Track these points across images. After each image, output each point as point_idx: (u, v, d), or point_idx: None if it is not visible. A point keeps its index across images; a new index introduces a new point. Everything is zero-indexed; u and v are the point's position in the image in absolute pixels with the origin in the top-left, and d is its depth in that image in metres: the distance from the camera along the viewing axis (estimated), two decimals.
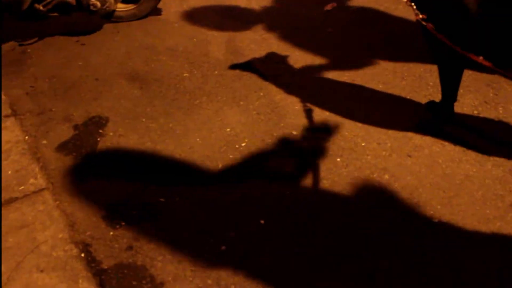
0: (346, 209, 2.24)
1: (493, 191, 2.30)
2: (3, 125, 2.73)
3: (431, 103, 2.78)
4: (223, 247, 2.07)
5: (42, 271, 1.97)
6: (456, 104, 2.65)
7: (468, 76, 3.01)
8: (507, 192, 2.29)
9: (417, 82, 3.07)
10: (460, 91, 2.64)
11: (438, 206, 2.24)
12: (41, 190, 2.33)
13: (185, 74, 3.20)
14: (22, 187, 2.34)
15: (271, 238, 2.11)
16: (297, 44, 3.51)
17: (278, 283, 1.93)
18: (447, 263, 1.99)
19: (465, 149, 2.54)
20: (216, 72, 3.21)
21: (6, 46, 3.48)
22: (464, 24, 2.24)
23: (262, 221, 2.19)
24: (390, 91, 3.00)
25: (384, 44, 3.49)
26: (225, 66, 3.27)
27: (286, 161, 2.51)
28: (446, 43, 2.28)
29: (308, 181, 2.39)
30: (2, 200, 2.27)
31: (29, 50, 3.46)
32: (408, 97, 2.94)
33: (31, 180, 2.38)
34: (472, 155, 2.50)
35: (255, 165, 2.49)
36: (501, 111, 2.78)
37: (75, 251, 2.05)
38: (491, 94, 2.92)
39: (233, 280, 1.94)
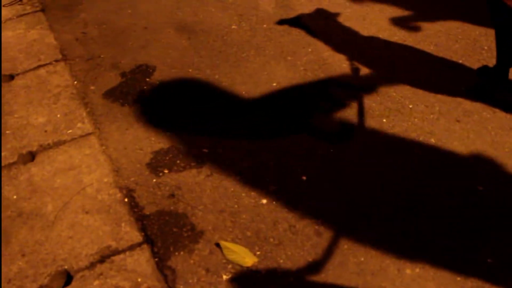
0: (389, 171, 2.21)
1: None
2: (53, 69, 2.78)
3: (484, 68, 2.68)
4: (264, 200, 2.08)
5: (87, 212, 2.03)
6: (510, 70, 2.55)
7: None
8: None
9: (471, 45, 2.96)
10: None
11: (484, 174, 2.18)
12: (88, 134, 2.38)
13: (233, 26, 3.17)
14: (70, 130, 2.39)
15: (312, 194, 2.11)
16: (348, 0, 3.42)
17: (316, 238, 1.93)
18: (488, 231, 1.95)
19: None
20: (264, 25, 3.17)
21: None
22: None
23: (304, 177, 2.18)
24: (441, 53, 2.91)
25: (439, 5, 3.36)
26: (274, 20, 3.22)
27: (332, 119, 2.48)
28: (506, 3, 2.17)
29: (352, 140, 2.36)
30: (52, 142, 2.33)
31: None
32: (460, 61, 2.84)
33: (79, 124, 2.43)
34: None
35: (300, 121, 2.47)
36: None
37: (119, 195, 2.10)
38: None
39: (272, 233, 1.96)
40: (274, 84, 2.69)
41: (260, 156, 2.29)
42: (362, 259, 1.87)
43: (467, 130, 2.40)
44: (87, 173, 2.19)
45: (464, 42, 2.99)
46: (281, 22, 3.21)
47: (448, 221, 1.99)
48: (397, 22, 3.19)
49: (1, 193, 2.10)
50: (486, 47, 2.93)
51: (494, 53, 2.55)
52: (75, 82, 2.71)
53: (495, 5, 2.30)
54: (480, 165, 2.23)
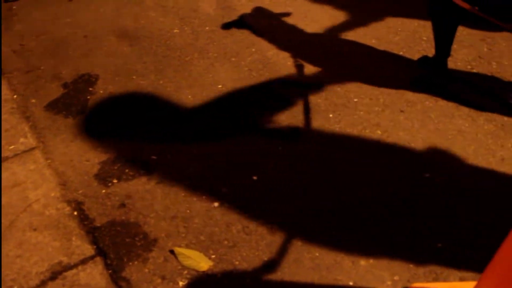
0: (338, 164, 2.24)
1: (485, 146, 2.30)
2: None
3: (424, 58, 2.76)
4: (216, 203, 2.08)
5: (35, 229, 1.97)
6: (449, 59, 2.63)
7: (462, 31, 2.98)
8: (498, 147, 2.29)
9: (411, 37, 3.04)
10: (454, 46, 2.62)
11: (430, 161, 2.24)
12: (32, 149, 2.31)
13: (175, 30, 3.15)
14: (13, 146, 2.32)
15: (264, 194, 2.11)
16: None
17: (270, 237, 1.94)
18: (437, 216, 2.00)
19: (457, 104, 2.53)
20: (207, 28, 3.16)
21: None
22: None
23: (255, 177, 2.19)
24: (383, 46, 2.97)
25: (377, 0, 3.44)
26: (216, 22, 3.21)
27: (278, 117, 2.49)
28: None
29: (300, 137, 2.38)
30: None
31: (14, 7, 3.38)
32: (401, 53, 2.91)
33: (21, 139, 2.36)
34: (464, 110, 2.49)
35: (246, 121, 2.48)
36: (494, 66, 2.76)
37: (67, 209, 2.05)
38: (485, 49, 2.89)
39: (226, 236, 1.95)
40: (220, 86, 2.68)
41: (210, 159, 2.28)
42: (317, 254, 1.89)
43: (411, 120, 2.46)
44: (32, 188, 2.13)
45: (404, 34, 3.06)
46: (223, 23, 3.20)
47: (397, 210, 2.03)
48: (338, 18, 3.24)
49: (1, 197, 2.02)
50: (425, 38, 3.00)
51: (433, 44, 2.62)
52: (15, 96, 2.63)
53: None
54: (425, 152, 2.29)
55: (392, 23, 3.16)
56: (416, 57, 2.83)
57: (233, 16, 3.27)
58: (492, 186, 2.12)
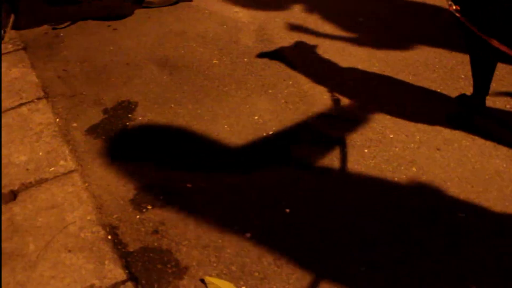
0: (372, 201, 2.23)
1: None
2: (35, 107, 2.78)
3: (462, 96, 2.74)
4: (248, 234, 2.08)
5: (70, 251, 2.01)
6: (488, 98, 2.61)
7: (501, 69, 2.95)
8: None
9: (449, 74, 3.02)
10: (493, 84, 2.59)
11: (466, 201, 2.21)
12: (71, 172, 2.37)
13: (214, 61, 3.21)
14: (53, 168, 2.38)
15: (296, 227, 2.11)
16: (328, 32, 3.48)
17: (301, 271, 1.93)
18: (472, 260, 1.97)
19: (495, 144, 2.49)
20: (245, 59, 3.21)
21: (39, 30, 3.54)
22: (497, 15, 2.20)
23: (288, 210, 2.19)
24: (420, 83, 2.96)
25: (416, 35, 3.44)
26: (255, 54, 3.26)
27: (314, 151, 2.50)
28: (479, 34, 2.23)
29: (335, 171, 2.38)
30: (34, 180, 2.32)
31: (62, 34, 3.51)
32: (438, 90, 2.89)
33: (61, 162, 2.42)
34: (503, 150, 2.46)
35: (282, 153, 2.49)
36: None
37: (102, 233, 2.09)
38: None
39: (257, 267, 1.95)
40: (256, 118, 2.71)
41: (243, 190, 2.29)
42: None
43: (447, 158, 2.43)
44: (69, 211, 2.18)
45: (441, 71, 3.05)
46: (262, 55, 3.25)
47: (430, 250, 2.00)
48: (375, 53, 3.25)
49: (1, 206, 2.08)
50: (463, 76, 2.99)
51: (471, 81, 2.60)
52: (57, 120, 2.71)
53: (470, 36, 2.36)
54: (461, 192, 2.26)
55: (430, 60, 3.15)
56: (453, 94, 2.81)
57: (272, 48, 3.32)
58: None
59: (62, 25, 3.58)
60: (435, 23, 3.58)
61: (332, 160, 2.44)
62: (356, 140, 2.55)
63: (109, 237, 2.08)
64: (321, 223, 2.13)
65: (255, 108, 2.78)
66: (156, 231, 2.11)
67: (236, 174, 2.38)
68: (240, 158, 2.48)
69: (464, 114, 2.67)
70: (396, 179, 2.33)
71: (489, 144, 2.50)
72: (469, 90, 2.72)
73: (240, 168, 2.42)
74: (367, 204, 2.21)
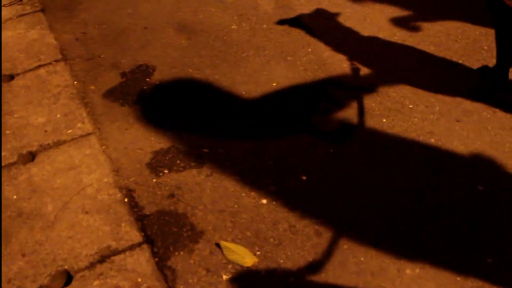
0: (389, 170, 2.21)
1: None
2: (53, 69, 2.78)
3: (484, 67, 2.68)
4: (264, 200, 2.08)
5: (87, 212, 2.03)
6: (511, 70, 2.55)
7: None
8: None
9: (471, 45, 2.96)
10: None
11: (484, 174, 2.18)
12: (88, 134, 2.38)
13: (233, 26, 3.17)
14: (70, 130, 2.39)
15: (312, 194, 2.11)
16: (348, 0, 3.42)
17: (316, 238, 1.93)
18: (488, 230, 1.95)
19: None
20: (264, 25, 3.17)
21: None
22: None
23: (304, 177, 2.18)
24: (442, 53, 2.91)
25: (438, 6, 3.36)
26: (274, 20, 3.22)
27: (332, 119, 2.48)
28: (506, 3, 2.17)
29: (352, 140, 2.36)
30: (52, 142, 2.33)
31: None
32: (460, 61, 2.84)
33: (79, 125, 2.43)
34: None
35: (300, 121, 2.47)
36: None
37: (119, 195, 2.10)
38: None
39: (272, 233, 1.96)
40: (274, 84, 2.69)
41: (260, 157, 2.29)
42: (362, 259, 1.87)
43: (467, 130, 2.40)
44: (87, 173, 2.19)
45: (464, 42, 2.99)
46: (281, 22, 3.21)
47: (448, 221, 1.99)
48: (397, 22, 3.18)
49: (1, 193, 2.10)
50: (486, 47, 2.93)
51: (494, 53, 2.55)
52: (75, 82, 2.71)
53: (495, 5, 2.30)
54: (480, 165, 2.23)
55: (453, 30, 3.09)
56: (475, 66, 2.76)
57: (291, 15, 3.27)
58: None
59: None
60: None
61: (349, 129, 2.42)
62: (375, 109, 2.52)
63: (126, 200, 2.09)
64: (336, 191, 2.12)
65: (274, 75, 2.75)
66: (172, 195, 2.12)
67: (253, 141, 2.37)
68: (257, 124, 2.46)
69: (486, 86, 2.62)
70: (414, 149, 2.31)
71: (509, 117, 2.46)
72: (491, 62, 2.67)
73: (258, 135, 2.41)
74: (384, 173, 2.20)
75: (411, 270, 1.84)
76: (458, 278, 1.81)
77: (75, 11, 3.32)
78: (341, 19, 3.22)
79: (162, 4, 3.40)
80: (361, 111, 2.51)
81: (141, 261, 1.87)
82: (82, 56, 2.92)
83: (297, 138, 2.38)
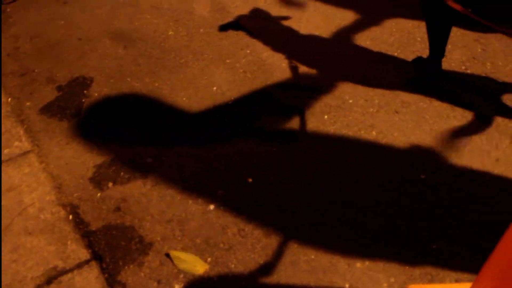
0: (333, 166, 2.24)
1: (479, 147, 2.30)
2: None
3: (419, 59, 2.76)
4: (212, 206, 2.08)
5: (30, 233, 1.97)
6: (444, 60, 2.63)
7: (456, 32, 2.98)
8: (493, 148, 2.29)
9: (405, 38, 3.04)
10: (448, 46, 2.62)
11: (425, 162, 2.24)
12: (27, 152, 2.31)
13: (170, 32, 3.14)
14: (7, 150, 2.32)
15: (259, 196, 2.11)
16: (284, 1, 3.45)
17: (266, 240, 1.94)
18: (433, 217, 2.01)
19: (452, 105, 2.53)
20: (201, 30, 3.16)
21: None
22: None
23: (250, 179, 2.19)
24: (378, 47, 2.97)
25: (371, 0, 3.45)
26: (211, 24, 3.21)
27: (273, 119, 2.49)
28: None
29: (295, 139, 2.38)
30: None
31: (9, 10, 3.37)
32: (395, 54, 2.91)
33: (16, 143, 2.35)
34: (459, 111, 2.50)
35: (241, 123, 2.47)
36: (489, 67, 2.76)
37: (62, 213, 2.05)
38: (479, 50, 2.89)
39: (222, 239, 1.95)
40: (215, 88, 2.68)
41: (205, 162, 2.28)
42: (313, 257, 1.89)
43: (406, 121, 2.46)
44: (27, 192, 2.13)
45: (398, 35, 3.06)
46: (218, 25, 3.20)
47: (392, 211, 2.03)
48: (333, 19, 3.23)
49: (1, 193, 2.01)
50: (419, 39, 3.01)
51: (428, 45, 2.62)
52: (9, 99, 2.62)
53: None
54: (421, 154, 2.29)
55: (387, 24, 3.16)
56: (410, 58, 2.83)
57: (228, 18, 3.27)
58: (487, 187, 2.12)
59: (9, 0, 3.44)
60: None
61: (292, 128, 2.44)
62: (315, 107, 2.55)
63: (70, 217, 2.04)
64: (283, 191, 2.13)
65: (213, 79, 2.75)
66: (118, 208, 2.08)
67: (196, 146, 2.36)
68: (200, 129, 2.45)
69: (421, 77, 2.70)
70: (357, 143, 2.35)
71: (446, 105, 2.54)
72: (426, 53, 2.75)
73: (201, 140, 2.39)
74: (329, 170, 2.22)
75: (361, 264, 1.87)
76: (407, 267, 1.85)
77: (4, 25, 3.22)
78: (278, 20, 3.24)
79: (96, 14, 3.34)
80: (302, 110, 2.53)
81: (90, 278, 1.82)
82: (15, 72, 2.83)
83: (241, 141, 2.38)
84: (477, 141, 2.33)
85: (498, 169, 2.20)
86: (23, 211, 2.05)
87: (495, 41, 2.94)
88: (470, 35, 2.99)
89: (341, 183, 2.16)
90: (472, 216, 2.00)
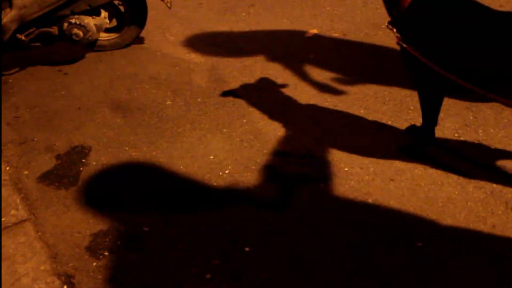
0: (330, 235, 2.24)
1: (475, 213, 2.31)
2: None
3: (412, 127, 2.81)
4: (208, 275, 2.05)
5: None
6: (437, 127, 2.69)
7: (448, 100, 3.05)
8: (489, 214, 2.31)
9: (398, 106, 3.11)
10: (441, 115, 2.67)
11: (421, 230, 2.24)
12: (23, 221, 2.30)
13: (167, 102, 3.21)
14: (3, 219, 2.31)
15: (256, 265, 2.10)
16: (280, 70, 3.55)
17: None
18: (431, 285, 1.99)
19: (446, 172, 2.56)
20: (199, 99, 3.23)
21: None
22: (446, 46, 2.29)
23: (247, 249, 2.18)
24: (371, 116, 3.03)
25: (365, 70, 3.54)
26: (208, 94, 3.29)
27: (270, 188, 2.51)
28: (426, 67, 2.32)
29: (292, 208, 2.39)
30: None
31: (10, 80, 3.45)
32: (389, 122, 2.97)
33: (12, 212, 2.35)
34: (453, 178, 2.52)
35: (238, 192, 2.49)
36: (481, 134, 2.81)
37: (57, 283, 2.02)
38: (471, 117, 2.96)
39: None
40: (212, 157, 2.71)
41: (201, 231, 2.27)
42: None
43: (401, 189, 2.48)
44: (21, 262, 2.10)
45: (391, 104, 3.13)
46: (215, 95, 3.27)
47: (392, 280, 2.01)
48: (327, 88, 3.32)
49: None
50: (412, 107, 3.07)
51: (421, 112, 2.68)
52: (7, 168, 2.64)
53: (415, 68, 2.45)
54: (417, 221, 2.29)
55: (380, 92, 3.24)
56: (404, 126, 2.89)
57: (225, 88, 3.35)
58: (485, 254, 2.11)
59: (11, 71, 3.52)
60: (382, 57, 3.69)
61: (288, 196, 2.45)
62: (312, 174, 2.57)
63: (65, 287, 2.01)
64: (280, 260, 2.12)
65: (210, 148, 2.78)
66: (114, 278, 2.05)
67: (193, 215, 2.36)
68: (197, 198, 2.46)
69: (415, 145, 2.74)
70: (353, 212, 2.35)
71: (440, 172, 2.57)
72: (418, 121, 2.80)
73: (198, 209, 2.40)
74: (325, 238, 2.22)
75: None
76: None
77: (5, 95, 3.28)
78: (273, 89, 3.32)
79: (95, 84, 3.42)
80: (298, 178, 2.56)
81: None
82: (14, 141, 2.86)
83: (238, 209, 2.38)
84: (473, 207, 2.34)
85: (495, 236, 2.20)
86: (16, 282, 2.02)
87: (486, 109, 3.01)
88: (462, 104, 3.07)
89: (336, 252, 2.15)
90: (474, 281, 1.99)
